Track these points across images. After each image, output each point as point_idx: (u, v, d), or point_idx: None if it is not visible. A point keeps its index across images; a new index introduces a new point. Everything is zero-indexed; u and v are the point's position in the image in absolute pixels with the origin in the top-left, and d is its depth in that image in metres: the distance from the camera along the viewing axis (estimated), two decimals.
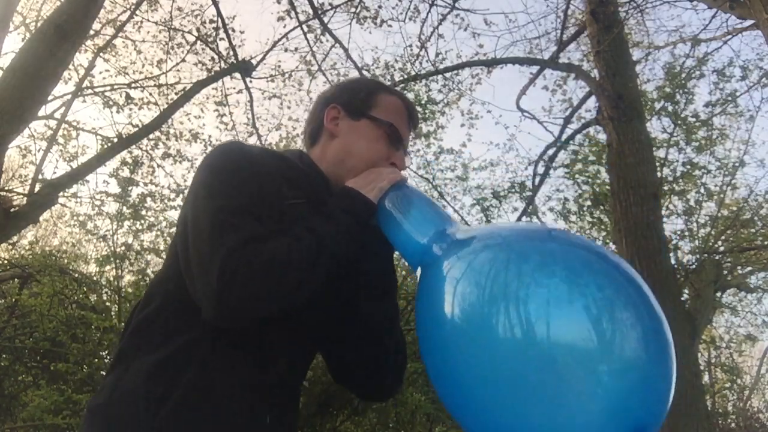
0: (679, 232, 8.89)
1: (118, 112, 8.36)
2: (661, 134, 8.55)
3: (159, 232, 9.04)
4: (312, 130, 1.39)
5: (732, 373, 12.01)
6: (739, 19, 6.04)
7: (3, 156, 4.62)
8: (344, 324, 1.26)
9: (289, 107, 8.81)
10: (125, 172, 8.54)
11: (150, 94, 8.50)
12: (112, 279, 9.17)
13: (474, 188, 10.51)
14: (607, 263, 1.00)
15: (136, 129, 7.53)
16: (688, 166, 8.78)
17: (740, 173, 9.09)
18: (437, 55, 8.24)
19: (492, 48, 14.86)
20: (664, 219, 7.07)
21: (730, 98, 8.19)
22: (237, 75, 7.79)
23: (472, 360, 0.97)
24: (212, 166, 1.18)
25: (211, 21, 8.18)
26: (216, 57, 8.34)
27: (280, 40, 8.02)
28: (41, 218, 6.38)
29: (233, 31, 8.18)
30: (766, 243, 8.49)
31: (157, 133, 8.27)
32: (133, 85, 8.45)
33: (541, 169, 7.93)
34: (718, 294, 8.41)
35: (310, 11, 7.80)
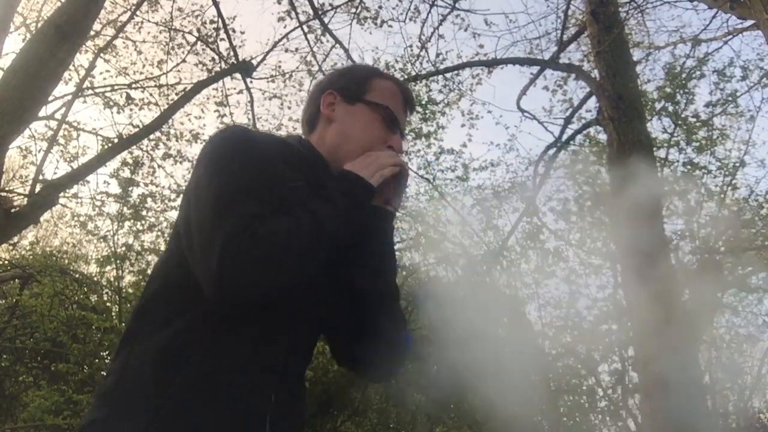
0: (679, 232, 8.89)
1: (118, 112, 8.38)
2: (661, 134, 8.56)
3: (159, 233, 9.04)
4: (309, 116, 1.42)
5: (733, 374, 12.00)
6: (739, 19, 6.05)
7: (3, 156, 4.62)
8: (343, 304, 1.28)
9: (289, 108, 8.79)
10: (126, 173, 8.56)
11: (150, 94, 8.52)
12: (112, 279, 9.17)
13: (474, 188, 10.51)
14: None
15: (137, 129, 7.53)
16: (689, 167, 8.78)
17: (741, 173, 9.10)
18: (438, 55, 8.26)
19: (492, 48, 14.87)
20: (665, 219, 7.07)
21: (730, 98, 8.20)
22: (237, 75, 7.79)
23: None
24: (215, 149, 1.21)
25: (212, 21, 8.20)
26: (216, 57, 8.36)
27: (280, 40, 8.04)
28: (42, 219, 6.37)
29: (234, 31, 8.18)
30: (766, 243, 8.48)
31: (158, 134, 8.28)
32: (133, 85, 8.46)
33: (541, 170, 7.94)
34: (719, 294, 8.41)
35: (311, 12, 7.81)
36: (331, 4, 7.86)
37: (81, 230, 9.37)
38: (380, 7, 8.35)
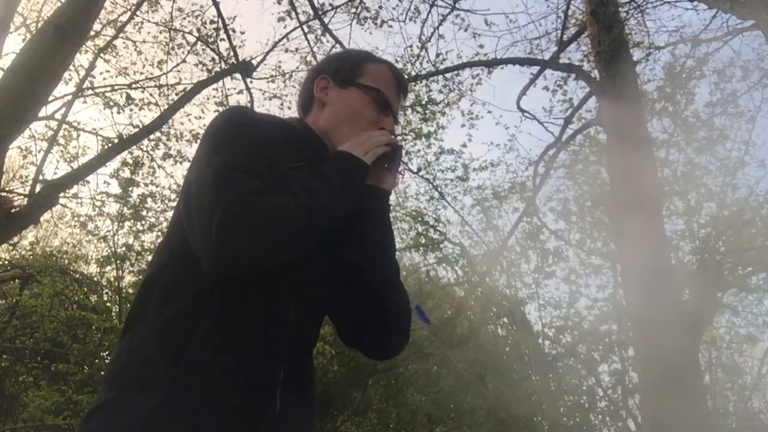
0: (679, 233, 8.90)
1: (118, 112, 8.38)
2: (661, 134, 8.55)
3: (160, 233, 9.03)
4: (303, 101, 1.45)
5: (733, 374, 12.01)
6: (739, 19, 6.04)
7: (3, 156, 4.62)
8: (346, 283, 1.30)
9: (289, 108, 8.78)
10: (126, 173, 8.56)
11: (150, 94, 8.52)
12: (112, 280, 9.18)
13: (474, 189, 10.53)
14: None
15: (137, 130, 7.53)
16: (689, 167, 8.79)
17: (741, 173, 9.10)
18: (438, 55, 8.26)
19: (492, 48, 14.84)
20: (665, 219, 7.07)
21: (730, 98, 8.19)
22: (237, 76, 7.79)
23: None
24: (217, 127, 1.25)
25: (212, 22, 8.20)
26: (216, 58, 8.35)
27: (280, 40, 8.04)
28: (42, 219, 6.37)
29: (234, 31, 8.17)
30: (766, 243, 8.48)
31: (158, 134, 8.27)
32: (133, 85, 8.46)
33: (541, 170, 7.96)
34: (719, 294, 8.41)
35: (311, 12, 7.82)
36: (331, 4, 7.88)
37: (81, 230, 9.39)
38: (380, 7, 8.37)
